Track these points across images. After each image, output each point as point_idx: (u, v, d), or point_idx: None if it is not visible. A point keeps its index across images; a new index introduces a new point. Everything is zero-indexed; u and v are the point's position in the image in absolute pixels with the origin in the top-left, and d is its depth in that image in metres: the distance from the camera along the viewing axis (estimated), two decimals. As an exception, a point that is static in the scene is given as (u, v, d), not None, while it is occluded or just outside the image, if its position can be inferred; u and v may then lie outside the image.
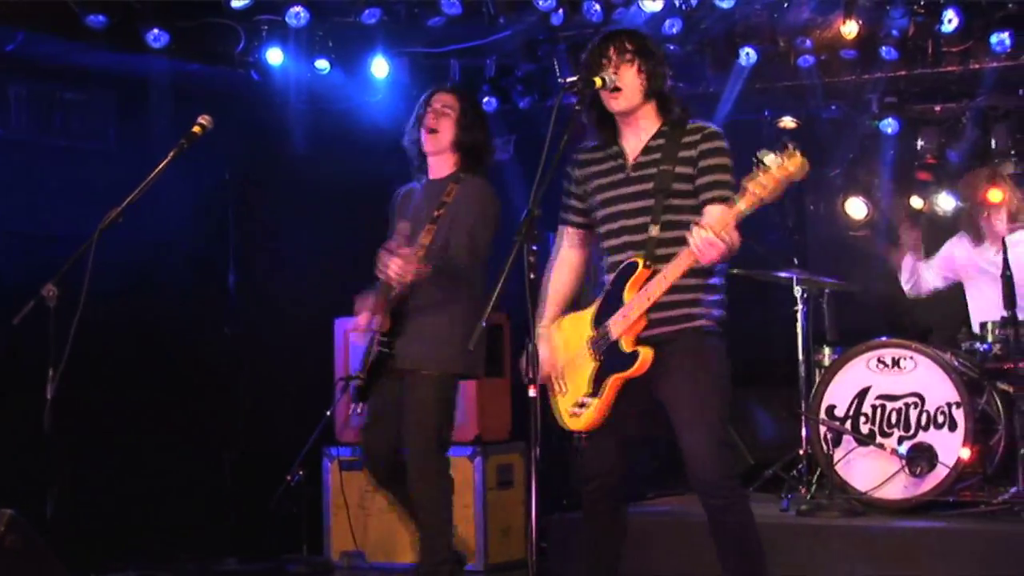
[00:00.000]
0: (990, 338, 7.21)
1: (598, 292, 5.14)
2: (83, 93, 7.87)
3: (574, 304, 5.29)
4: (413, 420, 5.93)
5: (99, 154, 7.58)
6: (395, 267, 5.66)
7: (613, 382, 4.93)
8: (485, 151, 6.18)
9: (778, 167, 4.50)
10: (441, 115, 5.98)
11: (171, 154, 5.50)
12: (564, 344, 5.09)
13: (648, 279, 4.88)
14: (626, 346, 4.91)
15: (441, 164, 6.09)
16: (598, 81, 4.95)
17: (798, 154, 4.51)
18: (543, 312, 5.20)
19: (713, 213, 4.84)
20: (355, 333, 6.17)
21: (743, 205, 4.58)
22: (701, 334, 5.02)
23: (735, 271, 7.55)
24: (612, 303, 4.97)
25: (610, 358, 4.95)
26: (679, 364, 4.92)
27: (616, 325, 4.92)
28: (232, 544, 7.28)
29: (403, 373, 5.99)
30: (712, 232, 4.60)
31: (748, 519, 5.02)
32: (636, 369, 4.88)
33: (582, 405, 4.99)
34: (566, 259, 5.32)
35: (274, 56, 7.93)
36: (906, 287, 8.14)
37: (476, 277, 5.99)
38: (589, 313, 5.09)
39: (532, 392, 4.61)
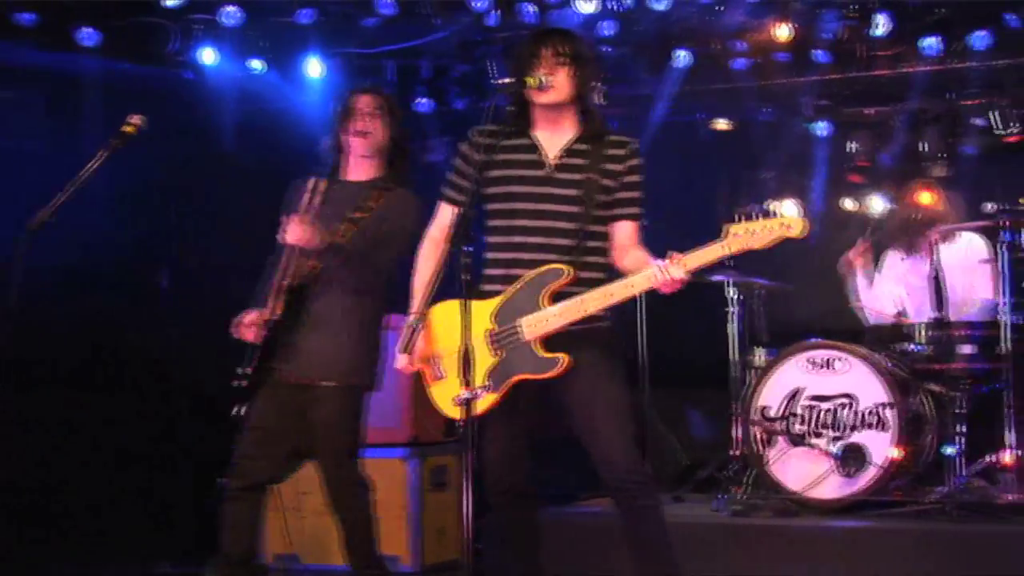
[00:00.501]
0: (921, 340, 7.27)
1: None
2: (12, 92, 7.76)
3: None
4: (325, 439, 5.74)
5: (29, 154, 7.48)
6: (294, 228, 5.52)
7: (515, 380, 4.93)
8: (408, 154, 6.04)
9: (779, 222, 4.56)
10: (372, 117, 5.87)
11: (102, 153, 5.44)
12: (445, 331, 5.04)
13: (566, 286, 4.89)
14: (539, 349, 4.89)
15: (364, 167, 5.92)
16: (532, 81, 4.94)
17: (804, 220, 4.57)
18: (415, 296, 5.15)
19: (626, 233, 5.01)
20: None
21: (726, 249, 4.65)
22: (605, 333, 5.04)
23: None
24: (524, 302, 4.93)
25: (517, 357, 4.92)
26: (587, 362, 4.92)
27: (532, 327, 4.89)
28: (165, 548, 7.20)
29: (302, 381, 5.72)
30: (683, 269, 4.68)
31: (659, 509, 5.05)
32: (553, 374, 4.88)
33: (473, 395, 4.97)
34: (436, 239, 5.24)
35: (208, 56, 7.87)
36: (857, 305, 8.10)
37: (381, 288, 5.83)
38: (488, 306, 5.02)
39: (465, 393, 4.61)
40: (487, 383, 4.96)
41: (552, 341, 4.91)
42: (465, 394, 4.61)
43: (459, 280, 4.80)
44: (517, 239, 5.07)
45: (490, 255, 5.14)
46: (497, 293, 5.01)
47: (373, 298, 5.80)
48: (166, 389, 8.10)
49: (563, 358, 4.86)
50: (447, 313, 4.94)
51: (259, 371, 5.69)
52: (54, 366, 7.34)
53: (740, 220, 4.62)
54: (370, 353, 5.81)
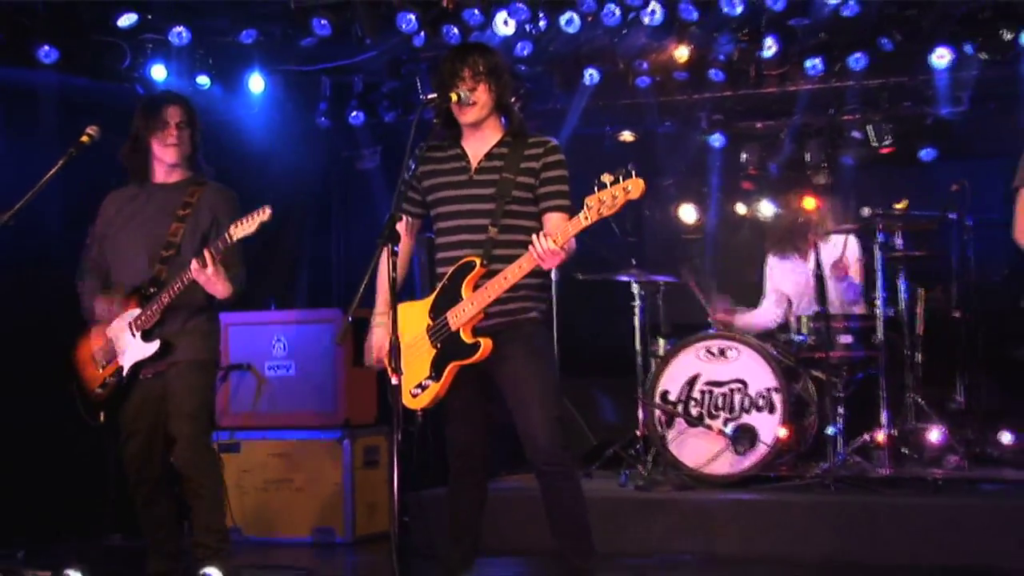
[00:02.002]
0: (804, 330, 7.35)
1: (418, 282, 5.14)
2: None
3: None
4: (176, 409, 5.48)
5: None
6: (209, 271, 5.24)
7: (452, 368, 4.96)
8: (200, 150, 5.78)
9: (620, 188, 4.58)
10: (181, 128, 5.61)
11: (60, 161, 5.40)
12: (402, 330, 5.06)
13: (483, 277, 4.91)
14: (466, 337, 4.93)
15: (172, 171, 5.70)
16: (454, 97, 4.99)
17: (639, 179, 4.59)
18: (377, 299, 5.17)
19: (554, 223, 4.95)
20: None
21: (586, 220, 4.66)
22: (533, 324, 5.08)
23: (580, 276, 7.64)
24: (449, 297, 4.98)
25: (450, 346, 4.96)
26: (515, 351, 4.96)
27: (456, 317, 4.93)
28: (117, 521, 7.12)
29: (164, 367, 5.51)
30: (554, 242, 4.68)
31: (577, 486, 5.07)
32: (477, 357, 4.91)
33: (421, 387, 5.01)
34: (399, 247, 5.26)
35: (158, 72, 7.79)
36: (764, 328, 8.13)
37: (241, 282, 5.56)
38: (425, 304, 5.08)
39: (394, 380, 4.62)
40: (431, 373, 4.99)
41: (486, 331, 4.93)
42: (393, 380, 4.63)
43: (389, 278, 4.83)
44: (446, 239, 5.12)
45: (436, 256, 5.19)
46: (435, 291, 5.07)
47: (237, 294, 5.53)
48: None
49: (484, 342, 4.89)
50: (404, 313, 4.96)
51: (131, 376, 5.55)
52: (7, 351, 7.22)
53: (596, 191, 4.65)
54: (214, 334, 5.69)
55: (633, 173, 4.60)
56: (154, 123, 5.61)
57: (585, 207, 4.65)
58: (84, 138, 5.48)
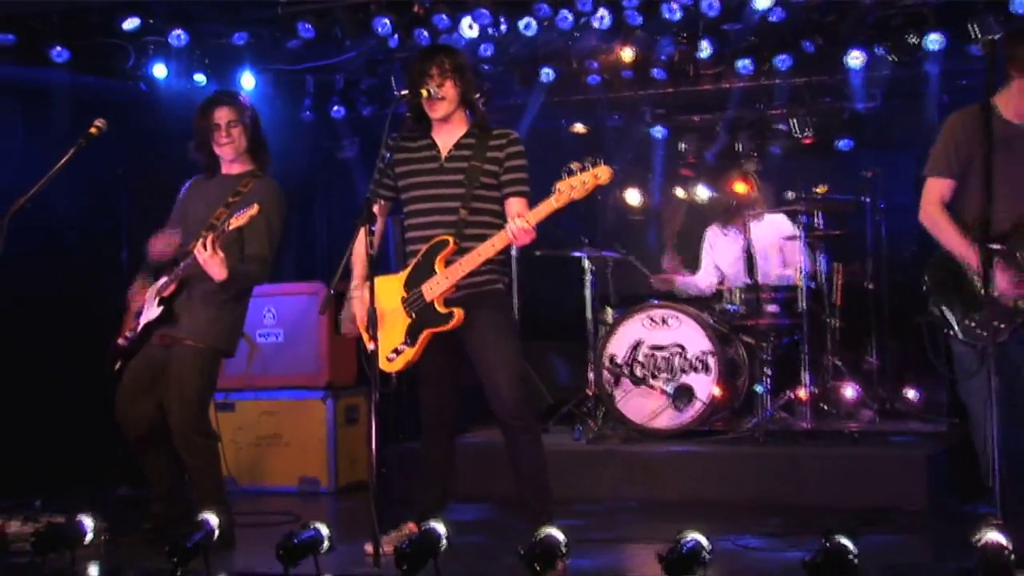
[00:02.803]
0: (736, 301, 7.37)
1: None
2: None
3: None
4: (176, 390, 5.36)
5: (7, 152, 7.29)
6: (211, 259, 5.16)
7: (426, 335, 4.98)
8: (266, 145, 5.71)
9: (590, 174, 4.60)
10: (231, 127, 5.54)
11: (71, 151, 5.37)
12: (378, 301, 5.06)
13: (455, 253, 4.92)
14: (440, 307, 4.94)
15: (232, 164, 5.64)
16: (424, 93, 5.02)
17: (607, 166, 4.61)
18: (354, 274, 5.18)
19: (515, 206, 5.00)
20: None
21: (556, 202, 4.69)
22: (498, 294, 5.11)
23: (538, 252, 7.64)
24: (423, 271, 4.99)
25: (425, 315, 4.98)
26: (482, 318, 4.99)
27: (430, 290, 4.94)
28: (125, 472, 7.07)
29: (170, 339, 5.44)
30: (527, 223, 4.72)
31: (538, 438, 5.10)
32: (452, 325, 4.93)
33: (397, 352, 5.02)
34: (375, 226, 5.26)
35: (159, 71, 7.72)
36: (691, 293, 8.15)
37: (263, 273, 5.53)
38: (399, 278, 5.08)
39: (371, 346, 4.65)
40: (406, 340, 4.99)
41: (456, 301, 4.94)
42: (370, 346, 4.66)
43: (366, 255, 4.84)
44: (418, 220, 5.13)
45: (406, 235, 5.19)
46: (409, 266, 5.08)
47: (239, 281, 5.44)
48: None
49: (457, 312, 4.93)
50: (379, 286, 4.97)
51: (143, 335, 5.50)
52: (25, 324, 7.15)
53: (565, 178, 4.67)
54: (234, 322, 5.57)
55: (601, 161, 4.62)
56: (206, 125, 5.57)
57: (556, 191, 4.68)
58: (93, 130, 5.45)
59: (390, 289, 5.07)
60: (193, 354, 5.40)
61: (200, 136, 5.61)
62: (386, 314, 4.99)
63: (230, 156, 5.60)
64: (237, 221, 5.16)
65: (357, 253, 5.11)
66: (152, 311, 5.48)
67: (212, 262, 5.19)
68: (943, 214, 4.91)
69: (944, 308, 4.91)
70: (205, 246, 5.16)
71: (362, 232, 4.89)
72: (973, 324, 4.80)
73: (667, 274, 7.99)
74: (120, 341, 5.57)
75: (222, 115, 5.56)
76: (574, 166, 4.66)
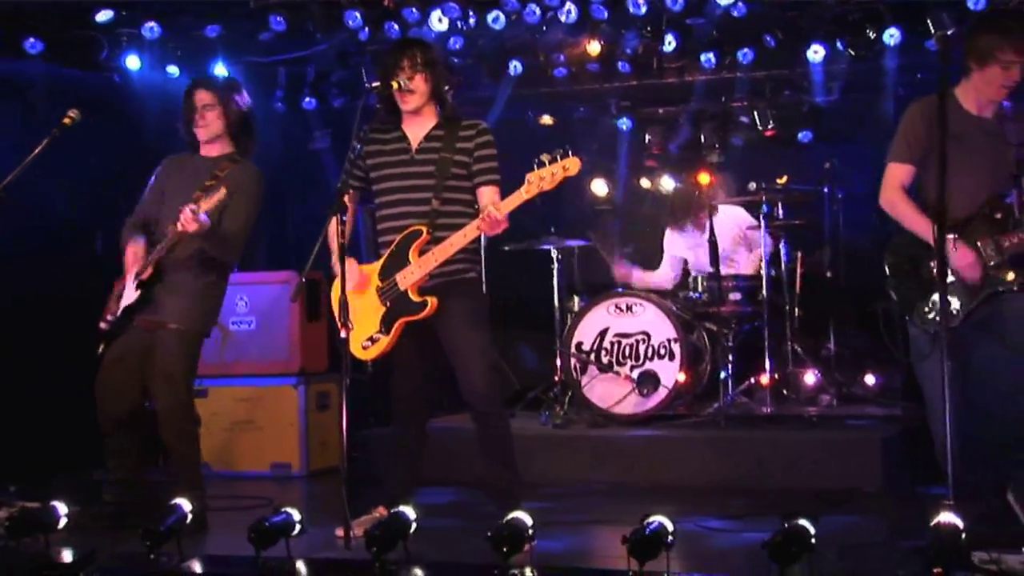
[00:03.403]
0: (700, 289, 7.40)
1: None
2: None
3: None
4: (163, 375, 5.34)
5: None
6: (186, 214, 5.13)
7: (400, 323, 4.97)
8: (249, 130, 5.66)
9: (560, 166, 4.61)
10: (208, 110, 5.52)
11: (45, 141, 5.34)
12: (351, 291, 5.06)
13: (428, 243, 4.91)
14: (414, 296, 4.93)
15: (210, 146, 5.62)
16: (395, 85, 5.01)
17: (575, 157, 4.61)
18: (333, 259, 5.13)
19: (487, 194, 5.01)
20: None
21: (527, 193, 4.70)
22: (470, 283, 5.12)
23: (506, 247, 7.63)
24: (397, 260, 4.99)
25: (399, 304, 4.97)
26: (455, 306, 4.99)
27: (404, 279, 4.93)
28: (100, 458, 7.03)
29: (153, 324, 5.41)
30: (499, 213, 4.73)
31: (507, 424, 5.12)
32: (425, 313, 4.92)
33: (372, 340, 5.01)
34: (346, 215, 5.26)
35: (132, 62, 7.66)
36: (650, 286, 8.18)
37: (236, 249, 5.50)
38: (373, 268, 5.07)
39: (343, 334, 4.64)
40: (380, 328, 4.98)
41: (429, 290, 4.94)
42: (342, 333, 4.65)
43: (338, 242, 4.83)
44: (390, 211, 5.12)
45: (378, 226, 5.18)
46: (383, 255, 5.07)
47: (218, 262, 5.46)
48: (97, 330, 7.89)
49: (431, 300, 4.93)
50: (353, 274, 4.97)
51: (123, 318, 5.47)
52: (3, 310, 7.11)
53: (535, 169, 4.67)
54: (214, 302, 5.54)
55: (570, 152, 4.63)
56: (187, 107, 5.57)
57: (526, 182, 4.69)
58: (66, 120, 5.42)
59: (365, 279, 5.07)
60: (178, 337, 5.38)
61: (183, 116, 5.61)
62: (361, 303, 4.99)
63: (203, 138, 5.58)
64: (207, 204, 5.14)
65: (332, 241, 5.10)
66: (131, 294, 5.45)
67: (190, 220, 5.11)
68: (902, 197, 4.95)
69: (900, 292, 4.96)
70: (186, 220, 5.11)
71: (333, 222, 4.88)
72: (926, 309, 4.83)
73: (626, 269, 8.01)
74: (102, 325, 5.55)
75: (200, 98, 5.55)
76: (544, 157, 4.67)
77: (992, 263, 4.77)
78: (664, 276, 8.00)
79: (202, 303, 5.47)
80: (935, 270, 4.73)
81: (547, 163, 4.65)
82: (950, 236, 4.63)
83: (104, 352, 5.51)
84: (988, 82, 4.82)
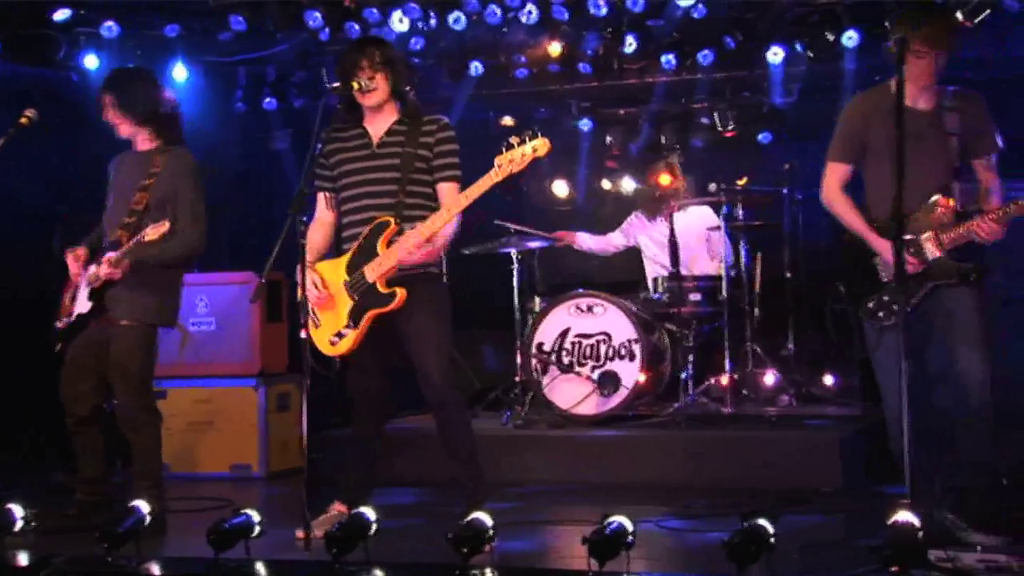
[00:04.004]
0: (660, 290, 7.42)
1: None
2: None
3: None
4: (118, 370, 5.30)
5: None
6: (103, 270, 5.21)
7: (369, 316, 4.95)
8: (166, 117, 5.51)
9: (529, 147, 4.60)
10: (111, 108, 5.44)
11: (1, 140, 5.27)
12: (318, 287, 5.05)
13: (396, 234, 4.91)
14: (382, 287, 4.92)
15: (136, 141, 5.53)
16: (356, 85, 5.01)
17: (544, 138, 4.60)
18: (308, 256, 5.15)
19: (446, 192, 5.03)
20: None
21: (496, 176, 4.69)
22: (432, 279, 5.12)
23: (466, 251, 7.61)
24: (365, 253, 4.97)
25: (367, 297, 4.95)
26: (415, 302, 4.97)
27: (372, 271, 4.92)
28: (60, 461, 6.96)
29: (106, 321, 5.36)
30: (467, 197, 4.76)
31: (467, 419, 5.15)
32: (394, 305, 4.91)
33: (340, 335, 4.99)
34: (322, 219, 5.27)
35: (91, 61, 7.60)
36: (599, 252, 8.23)
37: (197, 240, 5.39)
38: (339, 262, 5.06)
39: (303, 334, 4.62)
40: (348, 322, 4.96)
41: (396, 282, 4.91)
42: (302, 333, 4.63)
43: (298, 243, 4.80)
44: (353, 205, 5.11)
45: (343, 220, 5.17)
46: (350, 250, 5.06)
47: (167, 262, 5.39)
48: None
49: (400, 292, 4.92)
50: (323, 272, 4.94)
51: (78, 321, 5.45)
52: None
53: (504, 152, 4.67)
54: (168, 294, 5.47)
55: (539, 133, 4.62)
56: (101, 110, 5.50)
57: (496, 166, 4.68)
58: (23, 120, 5.37)
59: (331, 274, 5.05)
60: (129, 332, 5.33)
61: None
62: (329, 298, 4.99)
63: (123, 136, 5.52)
64: (151, 234, 5.11)
65: (309, 241, 5.06)
66: (84, 304, 5.41)
67: (112, 272, 5.20)
68: (839, 196, 5.04)
69: (849, 288, 5.02)
70: (111, 265, 5.17)
71: (316, 226, 4.92)
72: (872, 304, 4.90)
73: (568, 232, 8.05)
74: (58, 324, 5.53)
75: (104, 100, 5.48)
76: (513, 140, 4.66)
77: (934, 257, 4.83)
78: (609, 243, 8.04)
79: (152, 295, 5.38)
80: (879, 266, 4.91)
81: (516, 145, 4.64)
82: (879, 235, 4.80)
83: (63, 351, 5.49)
84: (912, 74, 4.83)
